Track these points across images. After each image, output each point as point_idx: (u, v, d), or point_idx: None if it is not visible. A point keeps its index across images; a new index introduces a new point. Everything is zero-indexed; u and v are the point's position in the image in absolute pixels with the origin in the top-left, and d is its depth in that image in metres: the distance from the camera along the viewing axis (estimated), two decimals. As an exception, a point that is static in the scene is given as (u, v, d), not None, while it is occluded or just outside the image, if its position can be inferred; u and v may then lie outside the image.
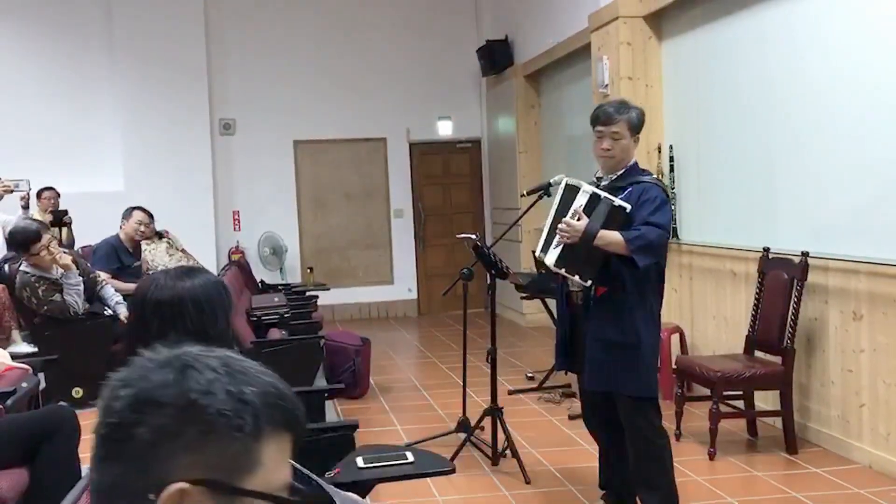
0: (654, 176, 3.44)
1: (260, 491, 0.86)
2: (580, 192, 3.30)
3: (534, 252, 3.70)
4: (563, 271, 3.33)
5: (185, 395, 0.84)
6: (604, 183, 3.41)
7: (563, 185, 3.44)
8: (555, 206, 3.42)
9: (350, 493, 1.42)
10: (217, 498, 0.84)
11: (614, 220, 3.22)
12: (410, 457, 2.51)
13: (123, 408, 0.85)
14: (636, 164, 3.45)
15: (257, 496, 0.85)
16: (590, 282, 3.29)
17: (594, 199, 3.26)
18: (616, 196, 3.29)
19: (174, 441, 0.83)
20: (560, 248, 3.30)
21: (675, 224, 5.77)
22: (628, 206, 3.23)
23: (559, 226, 3.29)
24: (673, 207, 5.74)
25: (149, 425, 0.83)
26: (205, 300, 1.98)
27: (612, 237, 3.20)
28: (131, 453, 0.84)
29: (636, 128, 3.37)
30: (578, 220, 3.24)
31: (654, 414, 3.37)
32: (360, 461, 2.43)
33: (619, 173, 3.38)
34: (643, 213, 3.24)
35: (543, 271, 3.53)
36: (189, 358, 0.88)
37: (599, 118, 3.37)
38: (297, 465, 1.44)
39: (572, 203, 3.31)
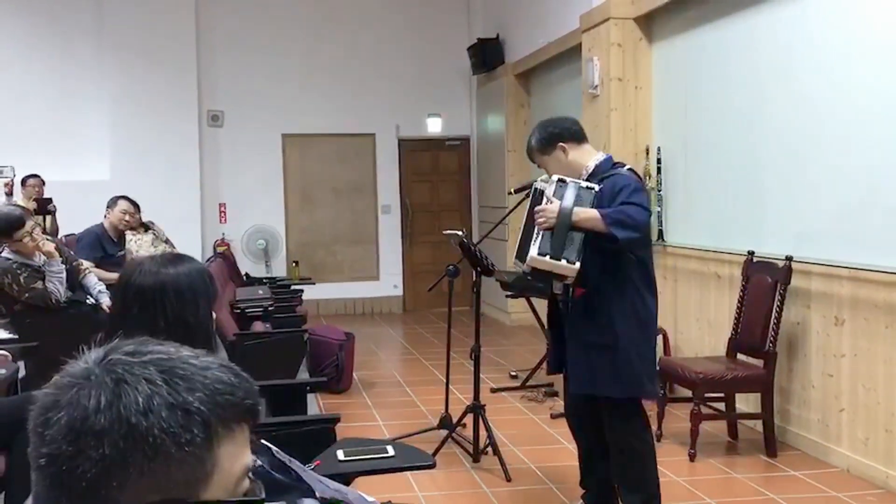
0: (627, 167, 3.39)
1: (216, 500, 0.81)
2: (547, 184, 3.29)
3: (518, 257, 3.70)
4: (547, 258, 3.19)
5: (123, 419, 0.77)
6: None
7: (532, 188, 3.42)
8: (528, 210, 3.42)
9: (333, 481, 1.41)
10: None
11: (585, 199, 3.19)
12: (391, 450, 2.51)
13: (58, 438, 0.78)
14: (607, 160, 3.39)
15: None
16: (577, 264, 3.16)
17: (561, 183, 3.24)
18: None
19: (120, 471, 0.77)
20: (539, 237, 3.21)
21: (660, 226, 5.80)
22: (596, 186, 3.21)
23: (535, 216, 3.23)
24: (659, 209, 5.78)
25: (90, 459, 0.77)
26: (187, 288, 1.97)
27: (588, 213, 3.15)
28: (76, 488, 0.77)
29: (543, 147, 3.38)
30: (550, 203, 3.21)
31: (636, 416, 3.32)
32: (340, 454, 2.42)
33: (588, 173, 3.35)
34: (618, 201, 3.17)
35: (530, 276, 3.46)
36: (120, 370, 0.80)
37: None
38: (277, 450, 1.42)
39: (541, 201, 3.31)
